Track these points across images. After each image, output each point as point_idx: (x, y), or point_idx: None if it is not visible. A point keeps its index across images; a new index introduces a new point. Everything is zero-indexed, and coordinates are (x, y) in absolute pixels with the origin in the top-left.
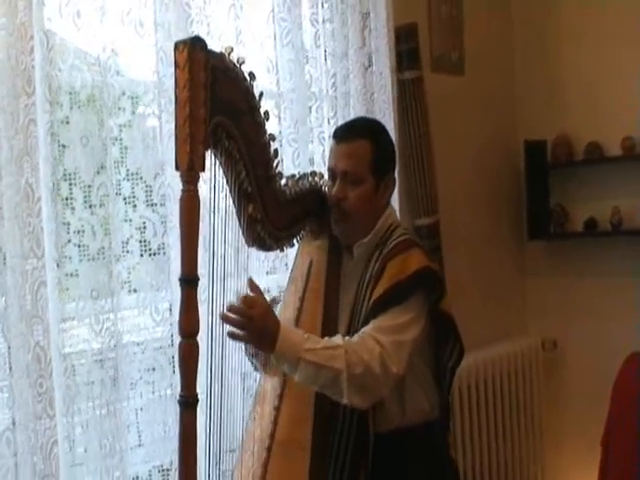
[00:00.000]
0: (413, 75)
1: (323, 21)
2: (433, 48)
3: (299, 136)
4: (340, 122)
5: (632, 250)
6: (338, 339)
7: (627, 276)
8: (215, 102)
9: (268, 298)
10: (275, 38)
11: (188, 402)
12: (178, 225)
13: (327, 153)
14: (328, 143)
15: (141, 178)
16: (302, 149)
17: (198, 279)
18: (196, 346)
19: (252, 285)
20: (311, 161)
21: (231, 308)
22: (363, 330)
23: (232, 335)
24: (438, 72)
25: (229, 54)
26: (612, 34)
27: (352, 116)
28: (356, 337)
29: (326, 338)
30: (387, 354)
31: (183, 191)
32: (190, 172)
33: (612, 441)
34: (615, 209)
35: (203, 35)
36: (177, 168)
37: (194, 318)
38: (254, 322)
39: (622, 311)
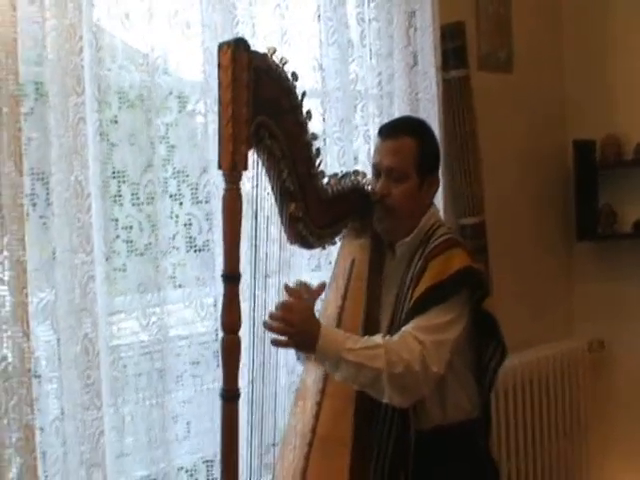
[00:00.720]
0: (459, 74)
1: (369, 20)
2: (481, 46)
3: (344, 135)
4: (385, 121)
5: None
6: (378, 338)
7: None
8: (258, 102)
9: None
10: (320, 37)
11: (230, 395)
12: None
13: (372, 152)
14: (373, 142)
15: (187, 176)
16: (347, 147)
17: (240, 276)
18: (238, 341)
19: (289, 290)
20: (356, 160)
21: (271, 315)
22: (404, 329)
23: (275, 342)
24: (485, 70)
25: (272, 54)
26: None
27: (397, 115)
28: (396, 336)
29: (366, 337)
30: (428, 353)
31: (225, 190)
32: (233, 171)
33: None
34: None
35: (248, 36)
36: (220, 167)
37: (236, 314)
38: (294, 327)
39: None
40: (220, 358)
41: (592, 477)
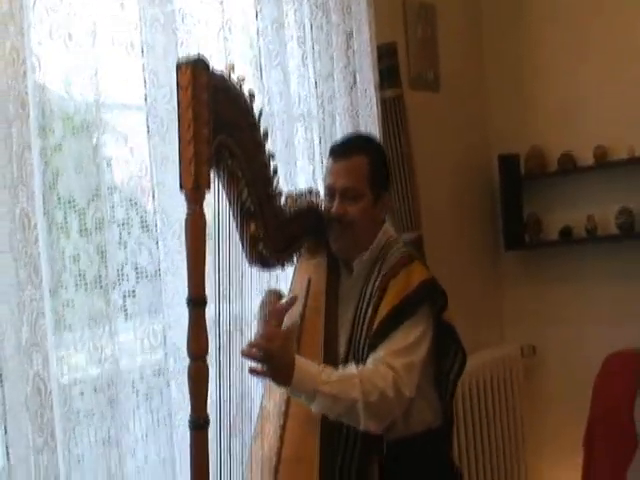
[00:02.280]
0: (394, 93)
1: (310, 41)
2: (411, 67)
3: (290, 156)
4: (328, 141)
5: (606, 256)
6: (352, 369)
7: (602, 281)
8: (217, 121)
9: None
10: (262, 60)
11: (199, 424)
12: (173, 249)
13: (317, 172)
14: (317, 163)
15: (135, 203)
16: (292, 169)
17: (206, 300)
18: (206, 367)
19: (268, 318)
20: (302, 181)
21: (251, 343)
22: (374, 356)
23: (252, 371)
24: (416, 90)
25: (230, 73)
26: (580, 47)
27: (339, 135)
28: (370, 363)
29: (341, 369)
30: (400, 379)
31: (189, 211)
32: (196, 192)
33: (594, 441)
34: (589, 217)
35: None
36: (182, 188)
37: (203, 339)
38: (273, 357)
39: (598, 315)
40: (187, 386)
41: (529, 475)
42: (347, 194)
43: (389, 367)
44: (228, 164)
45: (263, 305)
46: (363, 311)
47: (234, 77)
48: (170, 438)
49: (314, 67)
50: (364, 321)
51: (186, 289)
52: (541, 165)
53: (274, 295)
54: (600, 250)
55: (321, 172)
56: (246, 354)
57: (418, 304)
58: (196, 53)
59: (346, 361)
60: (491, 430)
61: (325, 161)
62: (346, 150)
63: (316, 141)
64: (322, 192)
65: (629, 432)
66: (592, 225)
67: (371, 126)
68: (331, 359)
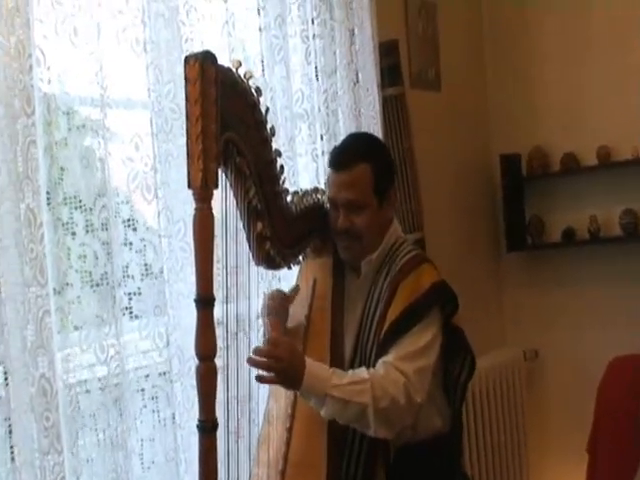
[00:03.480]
0: (396, 91)
1: (313, 37)
2: (412, 65)
3: (293, 154)
4: (331, 139)
5: (610, 257)
6: (363, 372)
7: (605, 283)
8: (225, 117)
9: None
10: (265, 54)
11: (208, 427)
12: (177, 247)
13: (321, 170)
14: (321, 160)
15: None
16: (295, 167)
17: (214, 299)
18: (214, 368)
19: (273, 322)
20: (305, 179)
21: (257, 350)
22: (385, 359)
23: (260, 378)
24: (417, 88)
25: (237, 69)
26: (583, 46)
27: (342, 132)
28: (380, 368)
29: (350, 371)
30: (411, 384)
31: (196, 209)
32: (204, 190)
33: (598, 446)
34: (592, 218)
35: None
36: (189, 186)
37: (211, 339)
38: (281, 363)
39: (602, 318)
40: (196, 387)
41: (533, 479)
42: (351, 206)
43: (400, 372)
44: (236, 161)
45: (265, 308)
46: (371, 312)
47: (240, 72)
48: (175, 439)
49: (317, 63)
50: (372, 322)
51: (190, 290)
52: (543, 165)
53: (276, 293)
54: (603, 252)
55: (324, 170)
56: (252, 363)
57: (429, 307)
58: (200, 49)
59: (352, 362)
60: (494, 435)
61: (327, 158)
62: (347, 160)
63: (319, 139)
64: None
65: (634, 437)
66: (595, 226)
67: (373, 125)
68: (337, 360)
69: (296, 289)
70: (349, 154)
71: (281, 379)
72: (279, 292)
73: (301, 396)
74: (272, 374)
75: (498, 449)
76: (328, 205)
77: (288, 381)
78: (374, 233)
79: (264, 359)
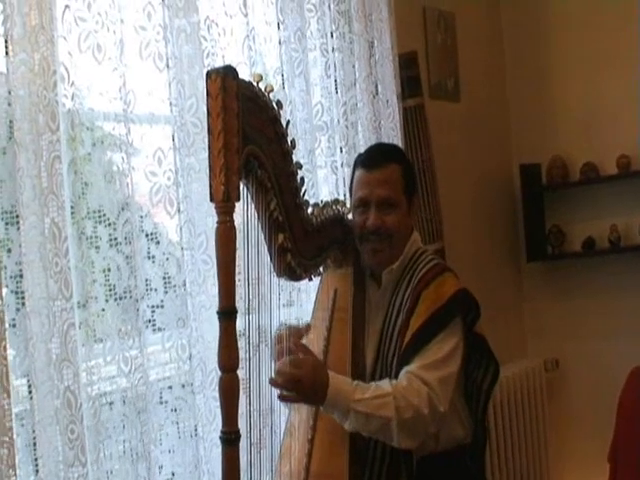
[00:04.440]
0: (415, 102)
1: (332, 50)
2: (431, 76)
3: (312, 166)
4: (351, 151)
5: (630, 266)
6: (387, 384)
7: (626, 293)
8: (246, 131)
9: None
10: (285, 68)
11: (230, 438)
12: (199, 260)
13: (340, 182)
14: (340, 172)
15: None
16: (315, 179)
17: (236, 311)
18: (237, 380)
19: (297, 342)
20: (325, 191)
21: (279, 372)
22: (408, 369)
23: (282, 398)
24: (436, 99)
25: (258, 82)
26: (602, 56)
27: (362, 144)
28: (403, 379)
29: (374, 384)
30: (435, 394)
31: (219, 223)
32: (226, 203)
33: (619, 456)
34: (613, 227)
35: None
36: (212, 199)
37: (234, 351)
38: (302, 383)
39: (622, 328)
40: (219, 399)
41: None
42: (384, 204)
43: (423, 382)
44: (257, 174)
45: (278, 338)
46: (392, 322)
47: (261, 86)
48: (197, 451)
49: (337, 76)
50: (393, 332)
51: (212, 302)
52: (563, 175)
53: (289, 329)
54: (624, 261)
55: (343, 182)
56: (274, 384)
57: (451, 316)
58: (222, 63)
59: (373, 373)
60: (515, 445)
61: (348, 171)
62: (380, 159)
63: (338, 151)
64: (347, 201)
65: None
66: (616, 236)
67: (393, 136)
68: (358, 371)
69: (307, 327)
70: (381, 154)
71: (304, 398)
72: (288, 329)
73: (324, 411)
74: (292, 394)
75: (519, 459)
76: (349, 216)
77: (310, 399)
78: (402, 236)
79: (285, 381)
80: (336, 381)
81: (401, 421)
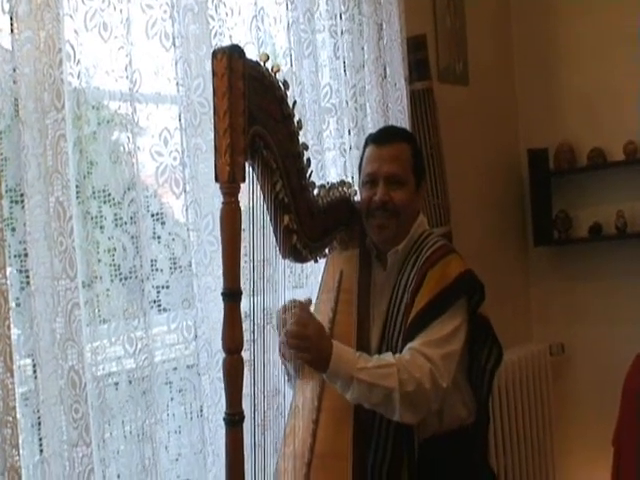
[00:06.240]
0: (424, 86)
1: (341, 32)
2: (440, 59)
3: (321, 147)
4: (359, 134)
5: (636, 252)
6: (389, 357)
7: (632, 278)
8: (252, 111)
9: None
10: (293, 49)
11: (234, 420)
12: (205, 241)
13: (348, 164)
14: (349, 154)
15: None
16: (324, 161)
17: (241, 292)
18: (241, 362)
19: (301, 305)
20: (333, 173)
21: (287, 331)
22: (411, 345)
23: (290, 348)
24: (445, 82)
25: (264, 62)
26: (611, 41)
27: (370, 127)
28: (406, 354)
29: (376, 356)
30: (437, 369)
31: (224, 203)
32: (231, 184)
33: (624, 439)
34: (619, 213)
35: None
36: (217, 180)
37: (238, 332)
38: (311, 341)
39: (628, 313)
40: (223, 380)
41: (557, 474)
42: (392, 180)
43: (426, 358)
44: (263, 155)
45: (283, 309)
46: (397, 301)
47: (268, 66)
48: (202, 432)
49: (345, 58)
50: (399, 311)
51: (217, 283)
52: (570, 160)
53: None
54: (630, 247)
55: (351, 164)
56: (282, 341)
57: (456, 296)
58: (229, 43)
59: (379, 351)
60: (519, 429)
61: (357, 153)
62: (390, 136)
63: (346, 133)
64: (355, 184)
65: None
66: (622, 221)
67: (401, 119)
68: (364, 350)
69: (308, 301)
70: (392, 132)
71: (310, 358)
72: (293, 301)
73: (327, 379)
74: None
75: (524, 443)
76: (356, 197)
77: (315, 361)
78: (408, 215)
79: (293, 339)
80: (340, 349)
81: (403, 393)
